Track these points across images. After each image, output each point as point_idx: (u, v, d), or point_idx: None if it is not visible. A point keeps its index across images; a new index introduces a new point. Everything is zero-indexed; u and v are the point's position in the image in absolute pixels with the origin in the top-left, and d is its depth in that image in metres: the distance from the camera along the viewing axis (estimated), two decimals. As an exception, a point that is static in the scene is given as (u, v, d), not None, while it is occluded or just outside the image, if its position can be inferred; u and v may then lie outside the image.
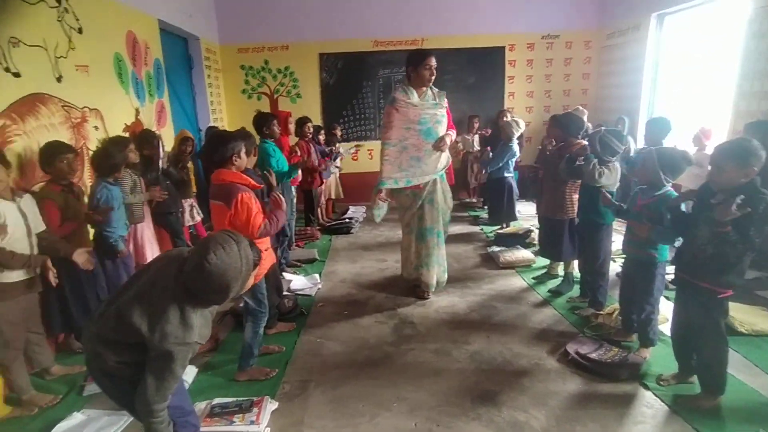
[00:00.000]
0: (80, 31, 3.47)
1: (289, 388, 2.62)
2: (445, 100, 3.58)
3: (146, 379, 1.53)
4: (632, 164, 3.79)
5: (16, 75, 2.80)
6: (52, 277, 2.44)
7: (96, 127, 3.65)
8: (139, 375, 1.57)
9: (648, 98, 6.05)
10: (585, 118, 3.61)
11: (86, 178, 3.46)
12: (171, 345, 1.49)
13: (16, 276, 2.36)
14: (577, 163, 3.21)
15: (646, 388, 2.50)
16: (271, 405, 2.40)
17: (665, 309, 3.32)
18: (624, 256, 2.92)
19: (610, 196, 2.83)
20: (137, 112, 4.33)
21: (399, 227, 5.84)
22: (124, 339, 1.54)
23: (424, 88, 3.49)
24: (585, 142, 3.45)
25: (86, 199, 3.21)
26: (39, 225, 2.50)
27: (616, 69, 6.72)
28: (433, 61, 3.41)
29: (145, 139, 3.83)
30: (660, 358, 2.73)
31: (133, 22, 4.32)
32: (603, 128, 3.21)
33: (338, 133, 6.59)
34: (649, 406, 2.38)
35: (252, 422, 2.24)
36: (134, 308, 1.51)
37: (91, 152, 3.47)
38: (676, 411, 2.31)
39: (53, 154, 2.69)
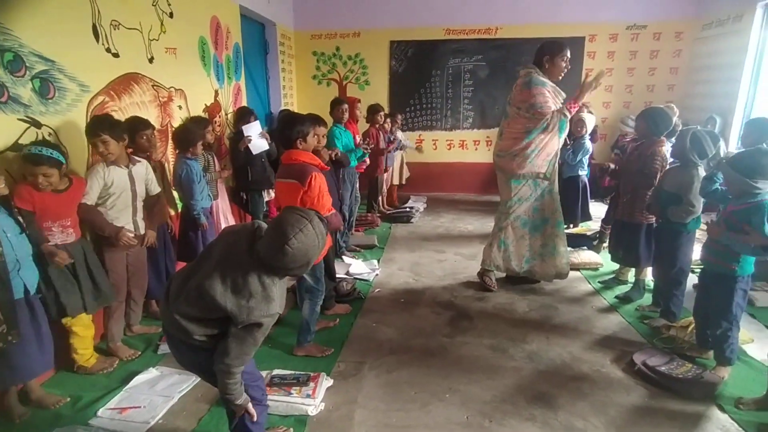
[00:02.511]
0: (171, 15, 3.70)
1: (345, 368, 2.69)
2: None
3: (228, 343, 1.59)
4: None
5: (116, 55, 3.04)
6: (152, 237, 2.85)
7: (180, 107, 3.89)
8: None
9: (746, 97, 5.49)
10: (675, 118, 3.31)
11: (170, 154, 3.72)
12: (257, 318, 1.56)
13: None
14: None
15: (722, 410, 2.31)
16: (326, 381, 2.48)
17: (753, 328, 3.05)
18: (702, 266, 2.69)
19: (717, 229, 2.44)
20: (216, 93, 4.57)
21: (460, 220, 5.85)
22: (209, 315, 1.61)
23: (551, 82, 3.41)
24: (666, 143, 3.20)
25: (169, 173, 3.47)
26: (153, 189, 2.85)
27: (710, 63, 6.15)
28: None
29: (242, 116, 4.13)
30: (741, 381, 2.52)
31: (218, 7, 4.54)
32: (698, 126, 2.94)
33: (398, 121, 6.56)
34: (725, 430, 2.20)
35: (308, 396, 2.33)
36: (215, 286, 1.55)
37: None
38: (756, 438, 2.12)
39: (134, 129, 2.88)
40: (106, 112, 2.88)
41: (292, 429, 2.15)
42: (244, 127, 4.00)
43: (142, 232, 2.78)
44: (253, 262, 1.58)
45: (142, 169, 2.77)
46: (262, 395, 1.89)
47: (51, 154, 2.19)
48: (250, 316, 1.55)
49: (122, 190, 2.62)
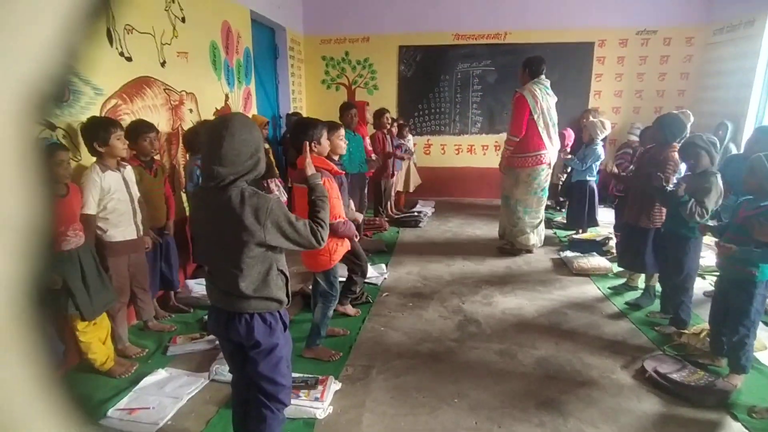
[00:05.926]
0: (183, 20, 3.74)
1: (353, 372, 2.68)
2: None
3: (286, 239, 1.66)
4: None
5: (129, 59, 3.08)
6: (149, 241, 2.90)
7: (191, 110, 3.93)
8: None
9: (758, 103, 5.44)
10: (689, 126, 3.26)
11: (180, 158, 3.75)
12: (267, 210, 1.61)
13: (121, 236, 2.66)
14: (669, 188, 2.97)
15: (735, 418, 2.28)
16: (334, 385, 2.48)
17: (765, 335, 3.01)
18: (717, 273, 2.66)
19: (707, 225, 2.67)
20: (227, 97, 4.61)
21: (468, 224, 5.86)
22: (243, 253, 1.64)
23: None
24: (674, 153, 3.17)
25: (182, 176, 3.49)
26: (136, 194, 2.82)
27: (721, 69, 6.10)
28: None
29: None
30: (754, 389, 2.48)
31: (229, 12, 4.59)
32: (692, 135, 2.93)
33: (408, 126, 6.56)
34: (738, 438, 2.17)
35: (316, 399, 2.33)
36: (227, 252, 1.65)
37: (186, 133, 3.75)
38: (771, 448, 2.09)
39: (137, 132, 2.89)
40: (107, 116, 2.85)
41: None
42: None
43: (141, 234, 2.80)
44: (223, 194, 1.62)
45: (130, 172, 2.76)
46: (287, 400, 1.87)
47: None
48: (259, 215, 1.60)
49: (120, 194, 2.61)
